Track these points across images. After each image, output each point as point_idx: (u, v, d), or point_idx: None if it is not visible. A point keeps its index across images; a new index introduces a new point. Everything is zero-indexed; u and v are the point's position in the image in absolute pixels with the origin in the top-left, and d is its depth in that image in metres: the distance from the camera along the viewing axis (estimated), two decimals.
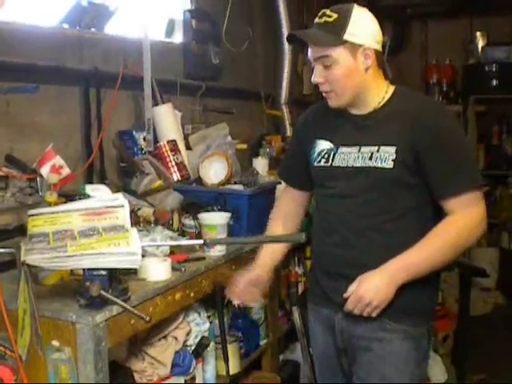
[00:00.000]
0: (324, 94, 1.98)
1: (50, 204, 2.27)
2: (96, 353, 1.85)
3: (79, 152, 2.90)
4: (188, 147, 3.28)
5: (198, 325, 2.52)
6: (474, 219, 1.89)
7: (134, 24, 3.23)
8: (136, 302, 2.00)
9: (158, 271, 2.19)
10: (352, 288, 1.88)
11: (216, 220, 2.51)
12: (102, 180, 2.97)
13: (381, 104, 1.97)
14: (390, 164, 1.88)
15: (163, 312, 2.19)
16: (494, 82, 5.71)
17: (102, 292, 1.81)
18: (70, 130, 2.86)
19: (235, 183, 2.90)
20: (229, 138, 3.29)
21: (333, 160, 2.01)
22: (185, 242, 2.13)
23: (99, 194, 2.10)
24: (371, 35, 1.91)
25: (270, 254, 2.22)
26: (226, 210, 2.65)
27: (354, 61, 1.89)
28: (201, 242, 1.93)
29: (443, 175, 1.87)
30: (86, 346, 1.84)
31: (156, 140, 3.11)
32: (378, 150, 1.91)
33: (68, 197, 2.36)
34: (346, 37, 1.86)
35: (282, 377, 3.22)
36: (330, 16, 1.88)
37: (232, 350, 2.73)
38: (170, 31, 3.59)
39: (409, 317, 1.95)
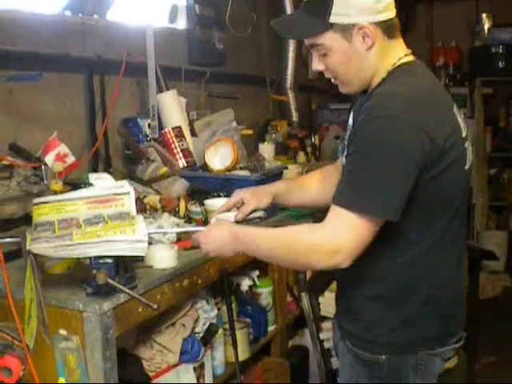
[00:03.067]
0: (331, 81, 1.75)
1: (55, 192, 2.26)
2: (104, 341, 1.84)
3: (84, 140, 2.88)
4: (193, 133, 3.26)
5: (205, 312, 2.51)
6: (319, 242, 1.53)
7: (137, 10, 3.20)
8: (143, 289, 1.99)
9: (165, 258, 2.18)
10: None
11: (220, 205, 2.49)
12: (108, 168, 2.96)
13: (372, 87, 1.69)
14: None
15: (171, 299, 2.18)
16: (501, 64, 5.65)
17: (109, 280, 1.80)
18: (74, 117, 2.84)
19: (241, 169, 2.88)
20: (234, 124, 3.26)
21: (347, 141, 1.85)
22: (190, 228, 2.11)
23: (102, 183, 2.09)
24: (366, 7, 1.56)
25: (290, 186, 2.12)
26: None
27: (350, 44, 1.59)
28: (202, 228, 1.91)
29: (341, 176, 1.61)
30: (94, 335, 1.83)
31: (161, 127, 3.09)
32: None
33: (73, 185, 2.35)
34: (332, 19, 1.57)
35: (291, 362, 3.20)
36: None
37: (240, 336, 2.72)
38: (173, 17, 3.56)
39: (363, 342, 1.75)
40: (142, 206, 2.67)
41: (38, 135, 2.55)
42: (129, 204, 1.89)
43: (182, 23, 3.69)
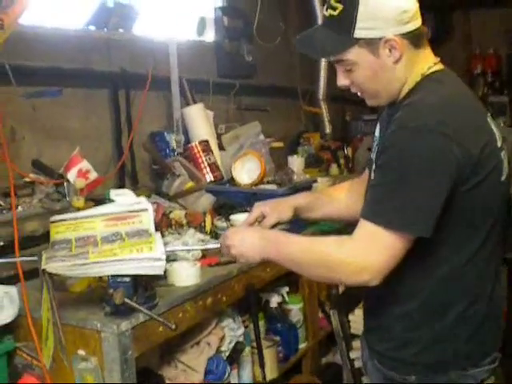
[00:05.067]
0: (359, 95, 1.66)
1: (77, 209, 2.23)
2: (122, 362, 1.79)
3: (110, 155, 2.86)
4: (221, 147, 3.21)
5: (232, 330, 2.44)
6: (347, 258, 1.47)
7: (163, 24, 3.17)
8: (164, 308, 1.94)
9: (187, 276, 2.13)
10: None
11: None
12: (134, 183, 2.93)
13: (401, 97, 1.60)
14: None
15: (194, 318, 2.12)
16: None
17: (126, 300, 1.75)
18: (99, 133, 2.82)
19: (268, 183, 2.81)
20: (261, 137, 3.21)
21: (374, 153, 1.77)
22: (211, 245, 2.04)
23: (123, 199, 2.05)
24: (391, 19, 1.49)
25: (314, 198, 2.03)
26: None
27: (377, 58, 1.52)
28: (217, 245, 1.84)
29: (369, 189, 1.57)
30: (112, 355, 1.78)
31: (188, 141, 3.05)
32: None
33: (97, 201, 2.32)
34: (357, 34, 1.49)
35: (324, 380, 3.11)
36: (334, 8, 1.53)
37: (269, 354, 2.65)
38: (201, 30, 3.53)
39: (392, 361, 1.66)
40: (167, 222, 2.64)
41: (63, 151, 2.53)
42: (147, 221, 1.84)
43: (210, 36, 3.65)
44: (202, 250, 2.35)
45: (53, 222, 1.89)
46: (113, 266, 1.71)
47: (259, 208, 1.95)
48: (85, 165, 2.34)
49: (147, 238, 1.80)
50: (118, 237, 1.81)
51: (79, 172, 2.33)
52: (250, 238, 1.67)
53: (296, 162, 3.20)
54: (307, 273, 1.63)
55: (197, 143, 2.98)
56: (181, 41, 3.33)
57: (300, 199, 2.02)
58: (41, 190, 2.27)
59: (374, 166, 1.60)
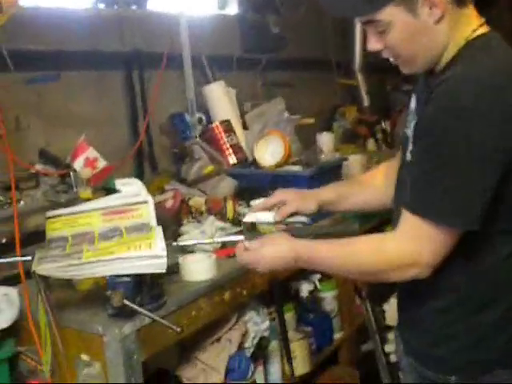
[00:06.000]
0: (391, 61, 1.46)
1: (85, 201, 2.10)
2: (127, 367, 1.66)
3: (126, 140, 2.72)
4: (245, 127, 3.03)
5: (256, 324, 2.27)
6: (395, 255, 1.38)
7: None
8: (174, 306, 1.80)
9: (201, 270, 1.97)
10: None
11: None
12: (154, 169, 2.79)
13: (441, 66, 1.42)
14: (409, 155, 1.45)
15: (209, 315, 1.96)
16: None
17: (126, 301, 1.60)
18: (113, 117, 2.68)
19: (294, 164, 2.62)
20: (285, 114, 3.00)
21: (408, 128, 1.56)
22: (226, 238, 1.87)
23: (130, 189, 1.90)
24: None
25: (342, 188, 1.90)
26: None
27: (415, 17, 1.34)
28: (241, 237, 1.67)
29: (411, 176, 1.41)
30: (116, 360, 1.65)
31: (210, 121, 2.88)
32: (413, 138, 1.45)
33: (109, 190, 2.17)
34: None
35: (364, 370, 2.93)
36: None
37: (299, 347, 2.49)
38: (223, 3, 3.33)
39: (430, 359, 1.53)
40: (187, 209, 2.49)
41: (74, 139, 2.38)
42: (147, 214, 1.69)
43: (233, 8, 3.45)
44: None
45: (49, 217, 1.76)
46: (110, 266, 1.57)
47: (280, 194, 1.83)
48: (92, 153, 2.20)
49: (147, 233, 1.65)
50: (116, 232, 1.67)
51: (86, 161, 2.19)
52: (277, 258, 1.54)
53: (325, 140, 2.98)
54: (351, 276, 1.61)
55: (218, 123, 2.80)
56: (201, 15, 3.15)
57: (328, 193, 1.87)
58: (45, 182, 2.13)
59: (410, 146, 1.45)
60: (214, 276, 1.97)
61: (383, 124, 4.04)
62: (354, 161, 2.84)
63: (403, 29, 1.36)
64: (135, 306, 1.62)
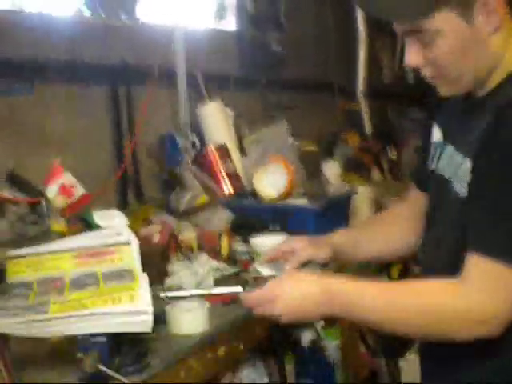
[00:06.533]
0: (429, 80, 1.26)
1: (58, 234, 1.80)
2: None
3: (109, 164, 2.41)
4: (243, 152, 2.74)
5: (253, 381, 1.97)
6: (463, 307, 1.15)
7: (174, 8, 2.69)
8: (159, 367, 1.48)
9: (191, 322, 1.66)
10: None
11: (271, 246, 1.95)
12: (139, 196, 2.48)
13: (489, 88, 1.22)
14: (464, 190, 1.21)
15: (201, 375, 1.64)
16: None
17: (100, 366, 1.29)
18: (95, 137, 2.38)
19: (298, 196, 2.33)
20: (289, 140, 2.71)
21: (438, 162, 1.35)
22: (217, 290, 1.56)
23: (110, 223, 1.60)
24: None
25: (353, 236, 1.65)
26: (287, 232, 2.09)
27: (469, 25, 1.15)
28: (239, 290, 1.37)
29: (471, 215, 1.17)
30: None
31: (203, 145, 2.59)
32: (460, 162, 1.24)
33: (88, 224, 1.86)
34: None
35: None
36: None
37: None
38: (220, 13, 3.06)
39: None
40: (176, 245, 2.19)
41: (48, 162, 2.07)
42: (129, 258, 1.38)
43: (231, 23, 3.17)
44: (216, 281, 1.92)
45: (10, 258, 1.45)
46: (81, 323, 1.27)
47: (290, 242, 1.62)
48: (68, 178, 1.90)
49: (130, 282, 1.34)
50: (91, 280, 1.36)
51: (61, 187, 1.89)
52: (305, 290, 1.24)
53: (331, 169, 2.69)
54: (400, 331, 1.23)
55: (212, 148, 2.51)
56: (197, 29, 2.87)
57: (340, 236, 1.63)
58: (13, 211, 1.82)
59: (460, 181, 1.22)
60: (207, 328, 1.67)
61: (389, 153, 3.76)
62: (362, 194, 2.55)
63: (454, 38, 1.15)
64: (111, 372, 1.30)
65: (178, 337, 1.63)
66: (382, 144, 3.84)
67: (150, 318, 1.27)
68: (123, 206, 2.45)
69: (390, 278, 2.98)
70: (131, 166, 2.45)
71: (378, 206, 2.80)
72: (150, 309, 1.27)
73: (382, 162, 3.67)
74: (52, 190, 1.87)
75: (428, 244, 1.39)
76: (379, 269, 2.69)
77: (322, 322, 2.46)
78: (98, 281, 1.35)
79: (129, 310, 1.26)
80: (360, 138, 3.81)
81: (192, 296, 1.47)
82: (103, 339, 1.31)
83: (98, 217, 1.67)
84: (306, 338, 2.37)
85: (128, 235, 1.40)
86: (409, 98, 4.30)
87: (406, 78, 4.52)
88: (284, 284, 1.27)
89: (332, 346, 2.49)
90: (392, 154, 3.79)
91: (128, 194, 2.46)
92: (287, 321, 1.27)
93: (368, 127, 4.01)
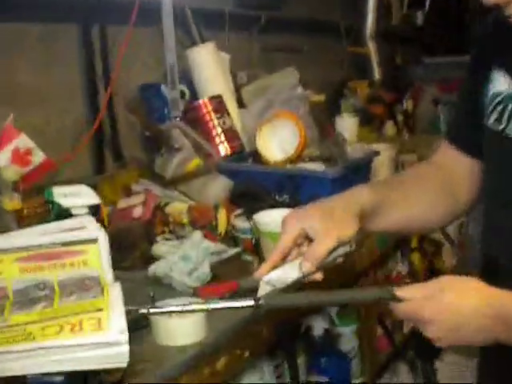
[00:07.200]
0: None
1: (13, 214, 1.41)
2: None
3: (81, 120, 2.00)
4: (242, 104, 2.32)
5: None
6: None
7: None
8: None
9: (185, 330, 1.29)
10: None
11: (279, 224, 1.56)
12: (118, 159, 2.08)
13: None
14: None
15: None
16: None
17: None
18: (63, 87, 1.96)
19: (311, 159, 1.93)
20: (299, 90, 2.29)
21: (508, 121, 1.02)
22: (221, 304, 1.11)
23: (76, 202, 1.21)
24: None
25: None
26: (298, 203, 1.70)
27: None
28: (250, 302, 0.97)
29: None
30: None
31: (194, 97, 2.17)
32: None
33: (53, 205, 1.46)
34: None
35: None
36: None
37: None
38: None
39: None
40: (163, 219, 1.81)
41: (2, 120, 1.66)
42: (96, 261, 0.98)
43: None
44: (213, 268, 1.54)
45: None
46: (26, 359, 0.87)
47: (294, 223, 1.04)
48: (23, 141, 1.48)
49: (96, 298, 0.94)
50: (43, 292, 0.96)
51: (14, 153, 1.47)
52: (468, 312, 0.91)
53: (348, 125, 2.28)
54: None
55: (206, 100, 2.09)
56: None
57: (368, 197, 1.12)
58: None
59: None
60: (204, 337, 1.30)
61: (404, 104, 3.35)
62: (383, 153, 2.15)
63: None
64: None
65: (167, 349, 1.27)
66: (396, 94, 3.42)
67: (125, 350, 0.88)
68: (99, 171, 2.05)
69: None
70: (107, 123, 2.04)
71: (395, 167, 2.42)
72: (125, 337, 0.88)
73: (395, 114, 3.26)
74: (3, 157, 1.47)
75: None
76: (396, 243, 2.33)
77: (335, 308, 2.12)
78: (52, 294, 0.95)
79: (95, 340, 0.87)
80: (370, 88, 3.39)
81: (184, 311, 1.07)
82: (59, 378, 0.95)
83: (59, 194, 1.28)
84: (319, 326, 2.02)
85: (94, 229, 0.99)
86: (421, 44, 3.91)
87: (415, 20, 4.13)
88: (441, 300, 0.91)
89: (347, 332, 2.15)
90: (407, 105, 3.38)
91: (105, 157, 2.05)
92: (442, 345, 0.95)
93: (378, 75, 3.59)
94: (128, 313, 0.94)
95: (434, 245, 2.68)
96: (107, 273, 0.98)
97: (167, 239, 1.74)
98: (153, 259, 1.61)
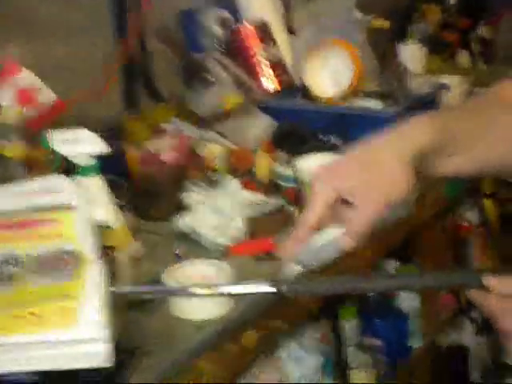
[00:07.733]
0: None
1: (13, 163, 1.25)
2: None
3: (108, 54, 1.79)
4: (292, 31, 2.06)
5: (299, 361, 1.43)
6: None
7: None
8: (155, 378, 0.98)
9: (204, 303, 1.11)
10: None
11: None
12: (152, 96, 1.88)
13: None
14: None
15: (220, 378, 1.12)
16: None
17: None
18: (87, 17, 1.74)
19: (367, 95, 1.69)
20: (355, 14, 2.01)
21: None
22: (240, 287, 0.87)
23: (76, 149, 1.03)
24: None
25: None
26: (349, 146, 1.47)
27: None
28: (272, 289, 0.75)
29: None
30: None
31: (236, 24, 1.93)
32: None
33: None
34: None
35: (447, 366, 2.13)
36: None
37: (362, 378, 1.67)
38: None
39: None
40: (197, 164, 1.62)
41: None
42: (73, 233, 0.78)
43: None
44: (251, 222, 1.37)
45: None
46: None
47: (325, 185, 0.76)
48: (28, 79, 1.29)
49: (70, 279, 0.75)
50: (9, 269, 0.78)
51: (19, 93, 1.29)
52: None
53: (413, 54, 1.99)
54: None
55: (249, 27, 1.85)
56: None
57: (424, 133, 0.79)
58: None
59: None
60: (225, 312, 1.12)
61: (481, 30, 3.02)
62: (454, 88, 1.87)
63: None
64: None
65: (184, 324, 1.10)
66: (471, 20, 3.10)
67: (104, 348, 0.69)
68: (133, 108, 1.86)
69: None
70: (140, 56, 1.83)
71: None
72: (104, 333, 0.69)
73: (470, 42, 2.96)
74: (5, 96, 1.28)
75: None
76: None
77: (393, 262, 1.91)
78: (21, 273, 0.77)
79: (66, 338, 0.69)
80: (442, 12, 3.07)
81: (179, 295, 0.86)
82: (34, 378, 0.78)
83: (58, 139, 1.09)
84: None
85: (71, 192, 0.79)
86: None
87: None
88: None
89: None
90: (484, 31, 3.06)
91: (137, 92, 1.85)
92: None
93: None
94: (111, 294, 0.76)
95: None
96: (89, 247, 0.78)
97: (200, 186, 1.55)
98: (183, 209, 1.44)
